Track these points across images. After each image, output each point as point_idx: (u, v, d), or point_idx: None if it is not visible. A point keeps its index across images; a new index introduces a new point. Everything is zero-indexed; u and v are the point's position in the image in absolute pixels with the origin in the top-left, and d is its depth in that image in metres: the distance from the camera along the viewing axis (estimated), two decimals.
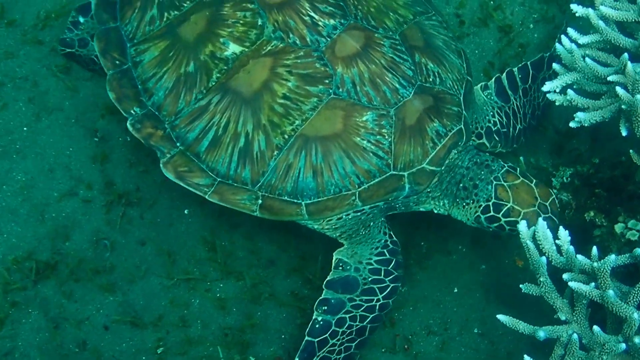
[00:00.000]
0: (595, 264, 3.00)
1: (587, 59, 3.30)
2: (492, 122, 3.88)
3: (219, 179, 3.43)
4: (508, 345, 3.88)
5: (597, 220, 3.60)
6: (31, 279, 3.70)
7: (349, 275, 3.60)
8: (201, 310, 3.80)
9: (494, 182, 3.49)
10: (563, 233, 3.17)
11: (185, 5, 3.49)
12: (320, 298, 3.57)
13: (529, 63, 4.05)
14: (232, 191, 3.43)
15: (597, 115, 3.31)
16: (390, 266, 3.62)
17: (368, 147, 3.38)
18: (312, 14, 3.40)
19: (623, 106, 3.18)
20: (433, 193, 3.61)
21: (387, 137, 3.39)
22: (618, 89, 3.14)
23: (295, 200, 3.41)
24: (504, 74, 4.00)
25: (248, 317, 3.80)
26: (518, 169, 3.55)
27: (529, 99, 4.04)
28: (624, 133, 3.26)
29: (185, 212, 4.00)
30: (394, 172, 3.43)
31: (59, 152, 4.03)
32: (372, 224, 3.63)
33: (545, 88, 3.43)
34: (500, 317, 3.17)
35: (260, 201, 3.42)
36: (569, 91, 3.35)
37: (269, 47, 3.37)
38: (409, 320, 3.93)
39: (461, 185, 3.56)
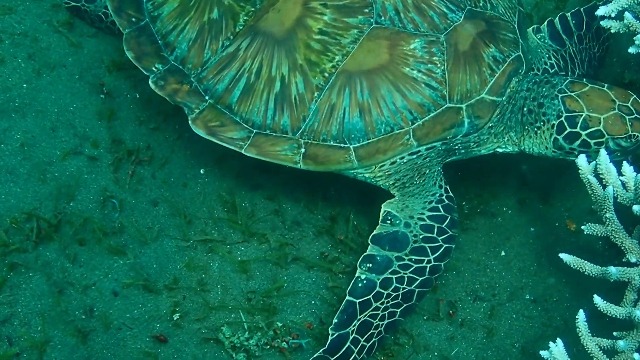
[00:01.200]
0: None
1: None
2: (548, 64, 3.74)
3: (255, 130, 3.27)
4: (564, 312, 3.68)
5: None
6: (32, 240, 3.46)
7: (397, 231, 3.37)
8: (221, 274, 3.57)
9: (560, 95, 3.29)
10: (627, 168, 2.98)
11: None
12: (365, 254, 3.37)
13: (582, 9, 3.91)
14: (271, 142, 3.25)
15: None
16: (445, 224, 3.39)
17: (419, 77, 3.20)
18: None
19: None
20: (495, 129, 3.40)
21: (439, 65, 3.21)
22: None
23: (343, 145, 3.22)
24: (557, 18, 3.87)
25: (273, 281, 3.57)
26: (584, 78, 3.33)
27: (585, 47, 3.91)
28: None
29: (201, 171, 3.81)
30: (451, 105, 3.24)
31: (62, 109, 3.85)
32: (427, 171, 3.41)
33: (599, 12, 3.28)
34: (562, 255, 3.01)
35: (303, 150, 3.23)
36: (627, 14, 3.19)
37: None
38: (452, 285, 3.71)
39: (525, 109, 3.35)
